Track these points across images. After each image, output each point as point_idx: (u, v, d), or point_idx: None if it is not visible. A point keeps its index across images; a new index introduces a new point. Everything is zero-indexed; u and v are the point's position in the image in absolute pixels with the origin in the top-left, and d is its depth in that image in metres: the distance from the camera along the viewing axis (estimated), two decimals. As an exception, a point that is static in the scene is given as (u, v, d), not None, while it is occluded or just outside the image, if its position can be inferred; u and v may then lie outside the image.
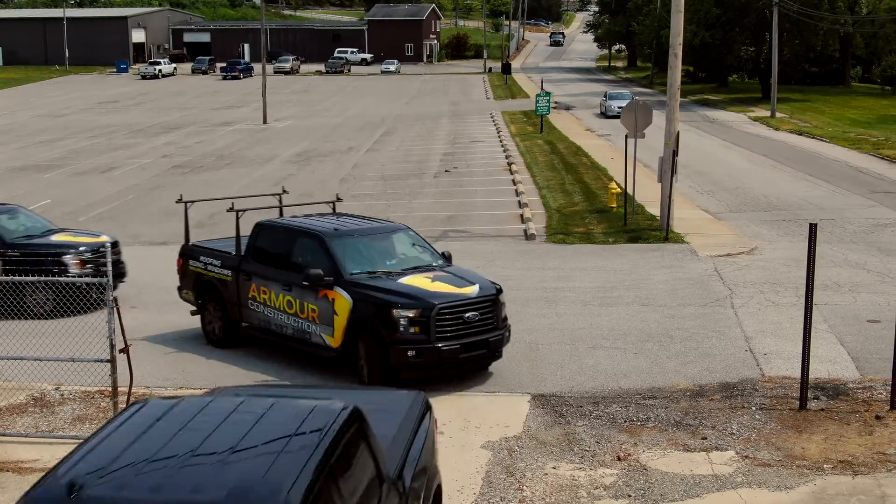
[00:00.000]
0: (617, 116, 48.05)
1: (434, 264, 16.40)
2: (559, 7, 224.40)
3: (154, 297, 20.46)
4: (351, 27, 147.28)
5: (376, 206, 32.52)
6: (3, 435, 13.33)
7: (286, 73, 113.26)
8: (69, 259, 20.35)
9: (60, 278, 18.25)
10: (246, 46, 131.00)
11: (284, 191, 20.39)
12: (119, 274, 20.45)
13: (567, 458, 12.56)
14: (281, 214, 19.14)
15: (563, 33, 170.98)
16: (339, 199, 20.18)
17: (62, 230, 22.47)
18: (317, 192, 35.33)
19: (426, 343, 14.52)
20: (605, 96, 66.91)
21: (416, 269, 16.00)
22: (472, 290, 15.30)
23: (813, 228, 14.05)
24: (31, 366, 13.99)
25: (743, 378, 15.45)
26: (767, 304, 19.82)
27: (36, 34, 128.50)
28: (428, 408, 10.60)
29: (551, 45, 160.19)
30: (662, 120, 28.21)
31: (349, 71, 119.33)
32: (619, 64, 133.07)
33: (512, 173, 39.77)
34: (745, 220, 29.55)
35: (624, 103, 45.69)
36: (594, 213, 30.87)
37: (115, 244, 19.64)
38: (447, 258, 16.79)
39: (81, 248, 20.84)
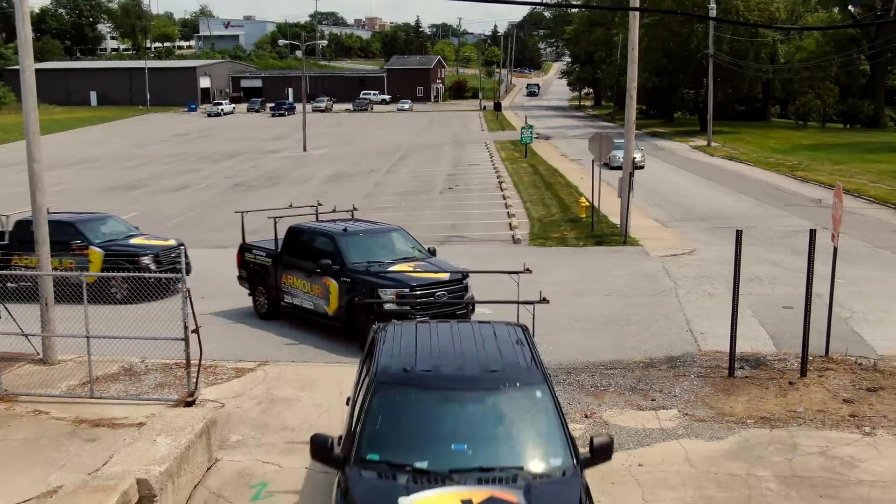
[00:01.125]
0: (619, 167, 40.49)
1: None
2: (539, 58, 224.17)
3: (217, 289, 20.44)
4: (373, 74, 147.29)
5: (394, 216, 32.57)
6: (101, 398, 13.43)
7: (322, 111, 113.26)
8: (144, 259, 20.63)
9: (144, 274, 18.47)
10: (290, 90, 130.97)
11: (527, 269, 15.12)
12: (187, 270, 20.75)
13: (545, 416, 12.67)
14: (518, 291, 13.99)
15: (538, 85, 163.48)
16: (545, 300, 13.32)
17: (141, 234, 22.42)
18: (346, 205, 35.39)
19: None
20: None
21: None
22: None
23: (738, 234, 14.18)
24: (122, 343, 14.10)
25: (684, 352, 15.57)
26: (704, 294, 19.92)
27: (123, 80, 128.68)
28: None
29: (527, 95, 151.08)
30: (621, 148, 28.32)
31: (372, 109, 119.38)
32: (588, 103, 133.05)
33: (502, 190, 39.85)
34: (687, 228, 29.62)
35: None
36: (568, 221, 30.95)
37: (180, 245, 20.13)
38: (581, 460, 8.02)
39: (155, 250, 21.09)
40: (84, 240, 20.54)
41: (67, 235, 20.27)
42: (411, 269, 16.49)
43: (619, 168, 37.30)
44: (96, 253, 20.27)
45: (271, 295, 18.18)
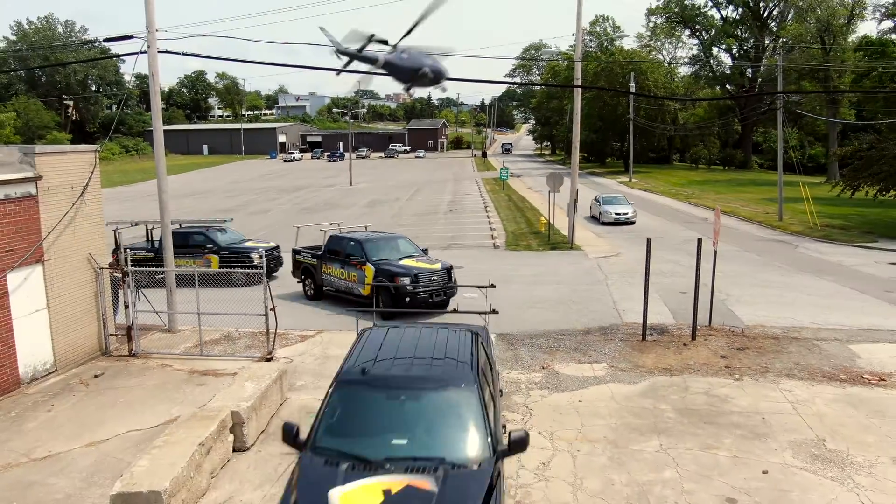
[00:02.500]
0: (615, 223, 32.83)
1: None
2: (513, 120, 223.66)
3: (289, 280, 20.43)
4: (398, 132, 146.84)
5: (412, 230, 32.56)
6: (208, 356, 13.46)
7: (362, 158, 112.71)
8: (254, 255, 19.38)
9: (234, 269, 18.34)
10: (341, 143, 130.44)
11: (492, 285, 11.90)
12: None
13: (515, 368, 12.64)
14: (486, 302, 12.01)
15: (511, 143, 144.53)
16: (494, 311, 10.73)
17: (246, 241, 21.81)
18: (380, 222, 35.41)
19: None
20: (597, 200, 35.68)
21: None
22: None
23: (648, 242, 14.18)
24: (223, 317, 14.13)
25: (611, 324, 15.54)
26: (626, 284, 19.87)
27: (225, 137, 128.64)
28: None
29: (503, 152, 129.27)
30: (569, 182, 28.28)
31: (397, 156, 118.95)
32: (546, 152, 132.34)
33: (486, 212, 39.76)
34: (614, 238, 29.52)
35: (622, 208, 33.73)
36: (532, 233, 30.86)
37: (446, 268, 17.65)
38: (499, 452, 6.36)
39: (414, 271, 18.00)
40: (365, 258, 17.03)
41: (355, 252, 17.51)
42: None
43: (610, 224, 32.49)
44: (370, 269, 16.76)
45: None
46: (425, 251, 18.14)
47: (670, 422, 10.24)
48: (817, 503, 8.00)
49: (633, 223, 33.20)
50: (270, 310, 12.94)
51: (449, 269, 16.76)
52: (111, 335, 13.85)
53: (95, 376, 12.49)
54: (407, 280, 16.07)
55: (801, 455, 9.15)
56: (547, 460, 9.10)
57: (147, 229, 21.58)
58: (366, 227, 20.48)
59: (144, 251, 20.68)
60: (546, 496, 8.22)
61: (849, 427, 9.95)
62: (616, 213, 33.44)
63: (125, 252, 14.29)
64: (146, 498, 7.36)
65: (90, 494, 8.44)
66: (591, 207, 36.50)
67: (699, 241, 13.96)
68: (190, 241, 20.97)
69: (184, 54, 15.50)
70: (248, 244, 21.44)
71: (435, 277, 16.43)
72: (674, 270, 21.44)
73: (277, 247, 21.67)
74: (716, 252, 15.27)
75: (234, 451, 9.39)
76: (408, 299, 15.85)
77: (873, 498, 8.08)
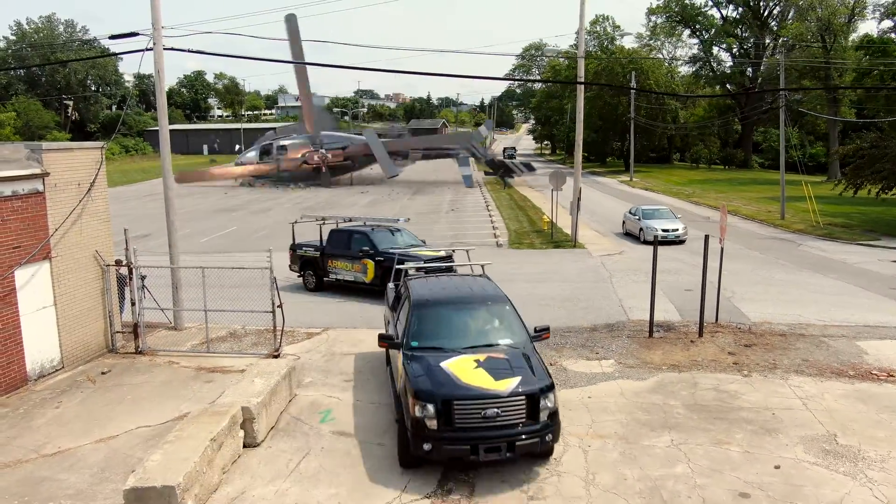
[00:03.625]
0: (660, 243, 20.72)
1: None
2: (513, 120, 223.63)
3: (290, 277, 20.35)
4: (399, 132, 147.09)
5: (414, 229, 32.48)
6: (214, 353, 13.45)
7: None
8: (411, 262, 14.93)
9: (243, 268, 18.21)
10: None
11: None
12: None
13: (522, 364, 12.61)
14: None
15: (514, 148, 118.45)
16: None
17: (417, 246, 18.50)
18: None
19: None
20: (633, 213, 29.70)
21: None
22: None
23: (655, 238, 14.14)
24: (229, 314, 14.10)
25: (618, 321, 15.53)
26: (630, 281, 19.84)
27: (225, 137, 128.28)
28: None
29: (506, 157, 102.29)
30: (572, 181, 28.21)
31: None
32: (546, 152, 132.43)
33: (488, 211, 39.69)
34: (618, 236, 29.50)
35: (669, 223, 27.07)
36: (535, 232, 30.83)
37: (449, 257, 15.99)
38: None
39: (421, 258, 16.40)
40: (405, 337, 10.48)
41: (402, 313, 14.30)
42: None
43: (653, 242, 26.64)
44: (400, 357, 12.64)
45: None
46: (540, 334, 9.86)
47: (680, 417, 10.24)
48: (830, 497, 8.00)
49: (683, 242, 26.58)
50: (277, 307, 12.92)
51: (532, 397, 8.38)
52: (117, 332, 13.83)
53: (102, 373, 12.47)
54: (430, 410, 8.26)
55: (812, 450, 9.14)
56: (558, 456, 9.09)
57: (320, 228, 19.84)
58: (483, 270, 12.66)
59: (313, 249, 19.31)
60: (559, 490, 8.21)
61: (859, 422, 9.95)
62: (664, 230, 26.41)
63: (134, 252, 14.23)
64: (160, 492, 7.34)
65: (102, 490, 8.42)
66: (623, 223, 30.27)
67: (706, 237, 13.96)
68: (352, 243, 18.42)
69: (189, 51, 15.48)
70: (412, 251, 17.41)
71: (493, 411, 8.26)
72: (678, 268, 21.41)
73: (449, 256, 17.18)
74: (722, 249, 15.27)
75: (244, 446, 9.38)
76: (427, 447, 8.23)
77: (886, 492, 8.08)
